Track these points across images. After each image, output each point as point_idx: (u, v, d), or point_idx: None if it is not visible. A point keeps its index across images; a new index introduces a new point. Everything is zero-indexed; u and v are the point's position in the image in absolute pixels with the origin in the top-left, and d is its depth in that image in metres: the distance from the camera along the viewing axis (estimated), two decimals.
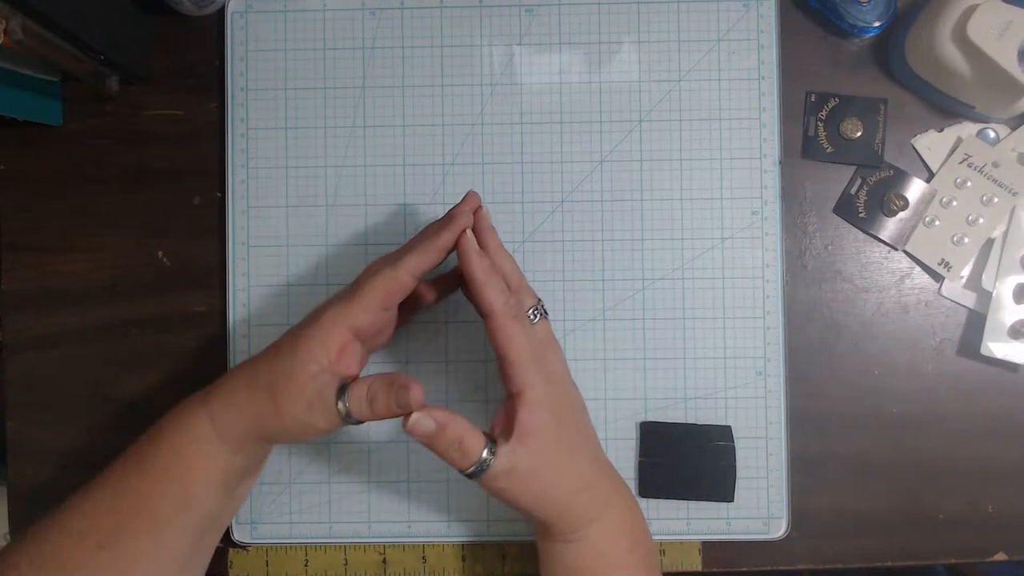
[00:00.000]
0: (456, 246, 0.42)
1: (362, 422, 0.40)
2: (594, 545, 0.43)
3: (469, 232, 0.43)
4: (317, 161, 0.53)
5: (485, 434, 0.41)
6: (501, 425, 0.42)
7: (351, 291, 0.42)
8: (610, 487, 0.44)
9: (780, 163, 0.52)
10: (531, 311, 0.44)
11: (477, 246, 0.42)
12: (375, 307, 0.41)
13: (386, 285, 0.41)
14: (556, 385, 0.43)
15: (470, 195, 0.44)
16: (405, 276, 0.41)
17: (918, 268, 0.53)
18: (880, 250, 0.53)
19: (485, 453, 0.40)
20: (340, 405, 0.39)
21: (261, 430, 0.41)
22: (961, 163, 0.52)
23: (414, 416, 0.39)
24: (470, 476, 0.40)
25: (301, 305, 0.52)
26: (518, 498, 0.41)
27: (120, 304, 0.53)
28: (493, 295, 0.41)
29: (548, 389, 0.41)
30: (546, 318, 0.45)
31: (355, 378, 0.41)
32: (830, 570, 0.52)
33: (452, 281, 0.49)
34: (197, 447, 0.41)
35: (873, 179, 0.53)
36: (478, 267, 0.41)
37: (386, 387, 0.39)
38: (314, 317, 0.42)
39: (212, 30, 0.53)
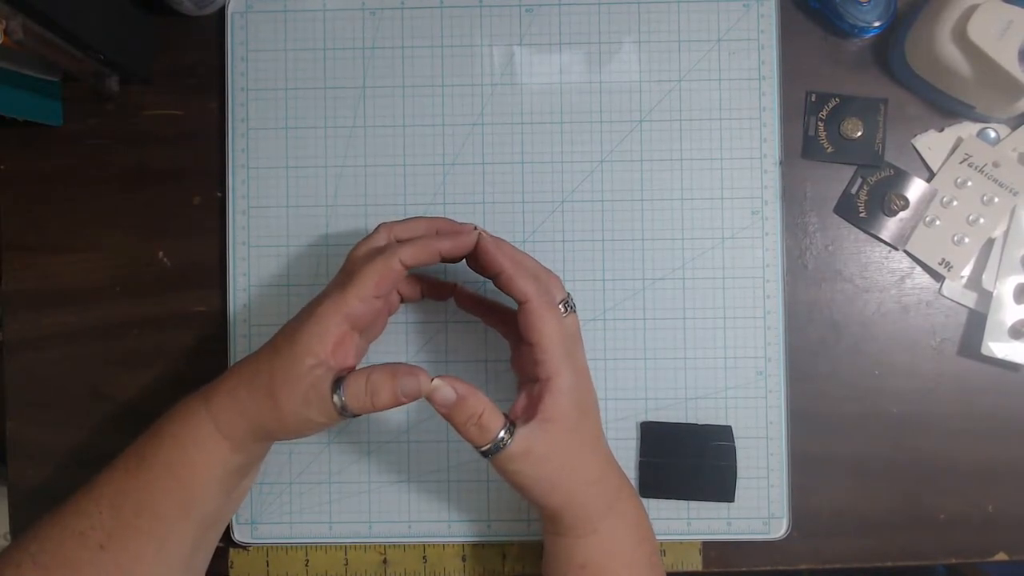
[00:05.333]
0: (476, 249, 0.42)
1: (358, 415, 0.40)
2: (604, 541, 0.43)
3: (483, 232, 0.43)
4: (317, 161, 0.53)
5: (504, 415, 0.41)
6: (521, 410, 0.43)
7: (343, 280, 0.42)
8: (619, 482, 0.45)
9: (780, 163, 0.52)
10: (562, 304, 0.44)
11: (495, 248, 0.42)
12: (368, 294, 0.40)
13: (379, 271, 0.41)
14: (582, 378, 0.43)
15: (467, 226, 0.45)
16: (397, 264, 0.41)
17: (918, 268, 0.53)
18: (880, 250, 0.53)
19: (503, 432, 0.40)
20: (336, 399, 0.39)
21: (262, 427, 0.41)
22: (961, 163, 0.52)
23: (435, 383, 0.40)
24: (485, 454, 0.41)
25: (301, 305, 0.51)
26: (530, 483, 0.41)
27: (120, 304, 0.53)
28: (525, 283, 0.41)
29: (576, 380, 0.42)
30: (575, 312, 0.45)
31: (349, 369, 0.41)
32: (830, 570, 0.52)
33: (446, 290, 0.49)
34: (199, 446, 0.41)
35: (873, 179, 0.53)
36: (505, 259, 0.42)
37: (389, 377, 0.39)
38: (309, 311, 0.42)
39: (212, 30, 0.53)
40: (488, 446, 0.40)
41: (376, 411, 0.40)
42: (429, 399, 0.40)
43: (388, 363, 0.40)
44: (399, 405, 0.40)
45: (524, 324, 0.42)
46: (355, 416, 0.40)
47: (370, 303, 0.41)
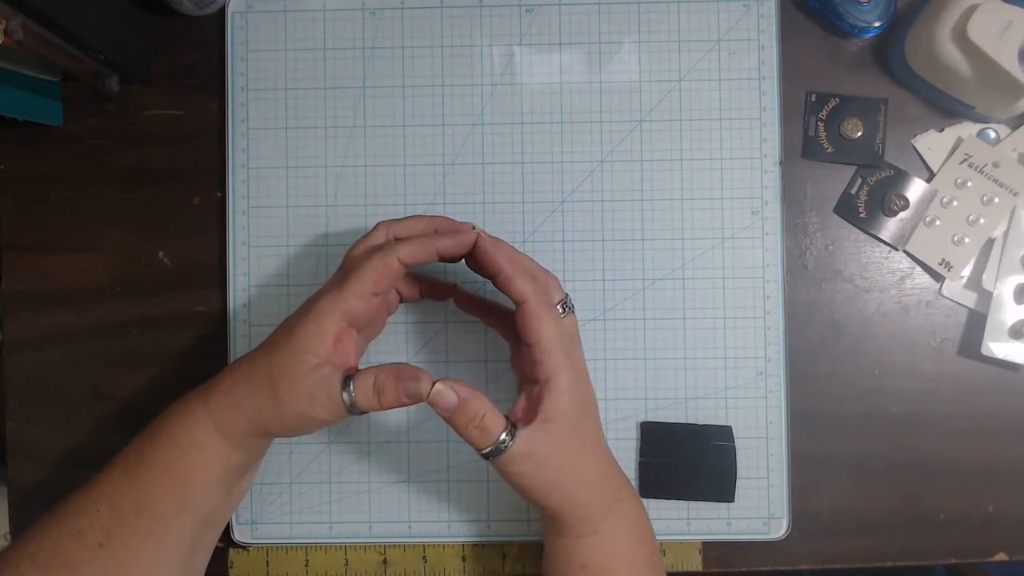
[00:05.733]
0: (475, 248, 0.42)
1: (365, 412, 0.41)
2: (604, 541, 0.43)
3: (482, 232, 0.43)
4: (317, 161, 0.53)
5: (505, 417, 0.41)
6: (521, 411, 0.43)
7: (341, 278, 0.42)
8: (619, 482, 0.45)
9: (780, 163, 0.52)
10: (560, 304, 0.44)
11: (493, 247, 0.42)
12: (366, 292, 0.41)
13: (377, 269, 0.41)
14: (581, 379, 0.43)
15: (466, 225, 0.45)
16: (395, 262, 0.41)
17: (918, 268, 0.53)
18: (880, 250, 0.53)
19: (504, 435, 0.40)
20: (345, 396, 0.40)
21: (261, 425, 0.41)
22: (961, 163, 0.52)
23: (436, 387, 0.40)
24: (487, 456, 0.41)
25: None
26: (531, 484, 0.41)
27: (120, 304, 0.53)
28: (523, 283, 0.41)
29: (575, 381, 0.42)
30: (573, 313, 0.45)
31: (354, 367, 0.41)
32: (830, 570, 0.52)
33: (445, 291, 0.49)
34: (196, 444, 0.41)
35: (873, 179, 0.53)
36: (503, 259, 0.42)
37: (393, 378, 0.40)
38: (307, 307, 0.42)
39: (212, 30, 0.53)
40: (489, 448, 0.40)
41: (381, 410, 0.40)
42: (431, 403, 0.40)
43: (394, 363, 0.41)
44: (403, 406, 0.40)
45: (522, 325, 0.42)
46: (360, 414, 0.41)
47: (368, 300, 0.41)
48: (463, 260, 0.44)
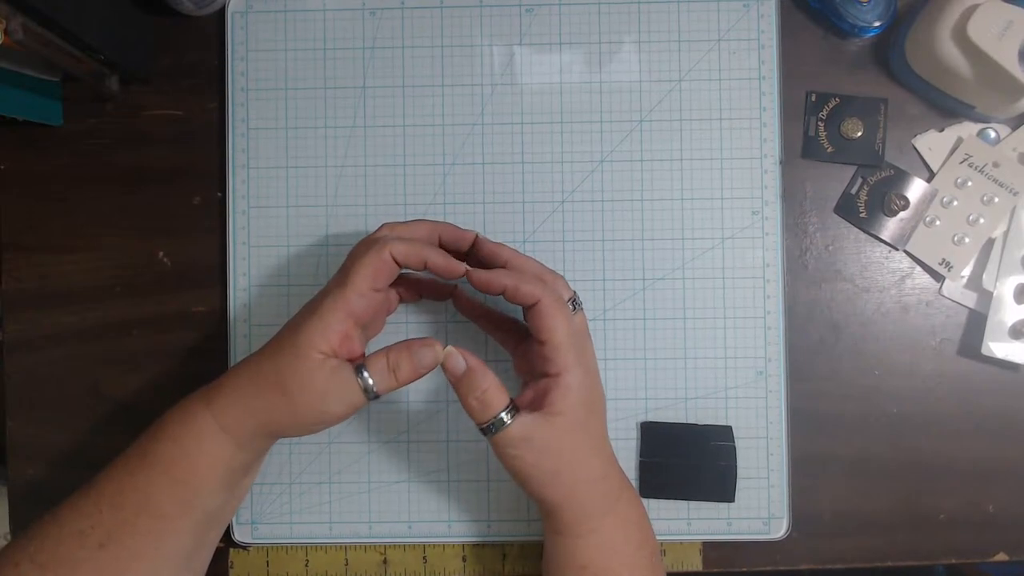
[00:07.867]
0: (471, 280, 0.43)
1: (380, 396, 0.41)
2: (605, 541, 0.43)
3: (477, 248, 0.44)
4: (317, 161, 0.53)
5: (511, 399, 0.41)
6: (527, 401, 0.43)
7: (341, 278, 0.42)
8: (621, 483, 0.45)
9: (781, 163, 0.52)
10: (569, 302, 0.44)
11: (486, 272, 0.43)
12: (366, 287, 0.41)
13: (373, 263, 0.41)
14: (591, 376, 0.44)
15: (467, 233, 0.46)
16: (387, 255, 0.42)
17: (919, 268, 0.53)
18: (881, 250, 0.53)
19: (504, 413, 0.41)
20: (360, 381, 0.41)
21: (270, 424, 0.41)
22: (962, 163, 0.52)
23: (448, 349, 0.41)
24: (484, 432, 0.41)
25: (301, 305, 0.52)
26: (530, 472, 0.42)
27: (120, 304, 0.53)
28: (531, 287, 0.42)
29: (585, 378, 0.42)
30: (583, 311, 0.46)
31: (361, 357, 0.42)
32: (830, 570, 0.52)
33: (445, 291, 0.49)
34: (200, 445, 0.41)
35: (874, 179, 0.53)
36: (503, 277, 0.42)
37: (406, 352, 0.41)
38: (311, 308, 0.42)
39: (212, 30, 0.53)
40: (487, 424, 0.41)
41: (398, 388, 0.41)
42: (443, 366, 0.41)
43: (402, 341, 0.42)
44: (419, 378, 0.42)
45: (535, 325, 0.42)
46: (375, 398, 0.41)
47: (369, 297, 0.41)
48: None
